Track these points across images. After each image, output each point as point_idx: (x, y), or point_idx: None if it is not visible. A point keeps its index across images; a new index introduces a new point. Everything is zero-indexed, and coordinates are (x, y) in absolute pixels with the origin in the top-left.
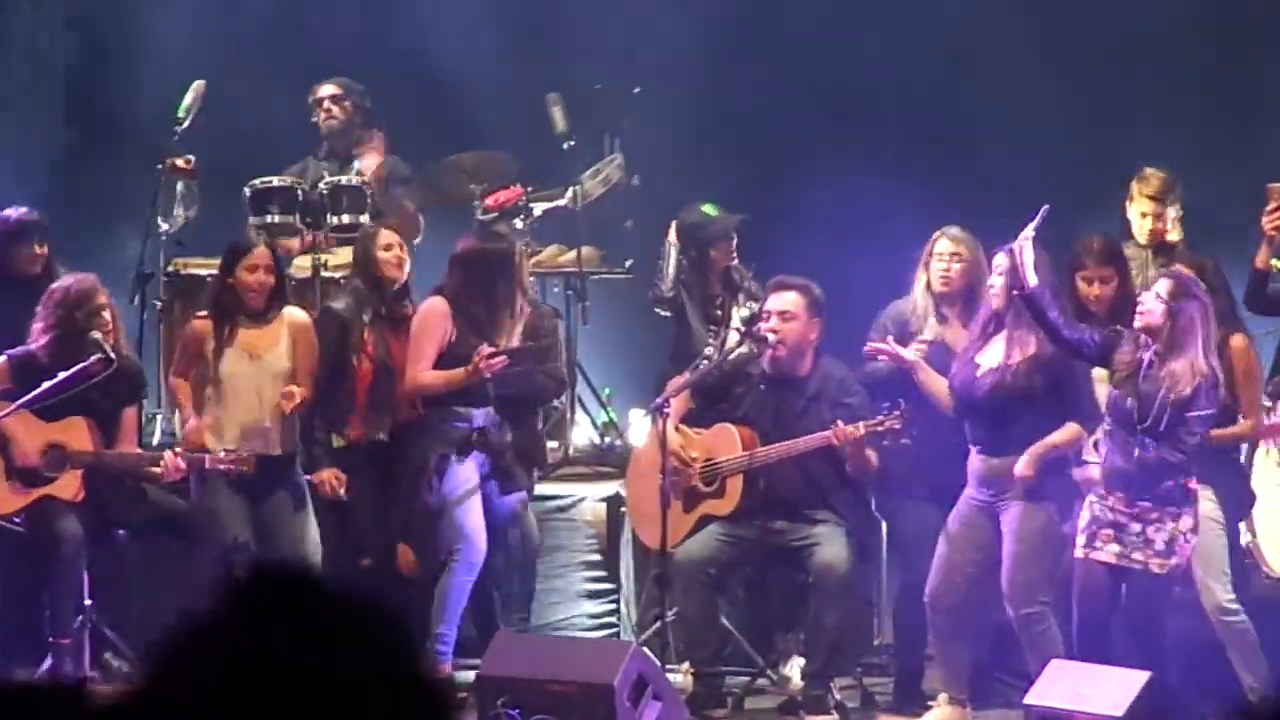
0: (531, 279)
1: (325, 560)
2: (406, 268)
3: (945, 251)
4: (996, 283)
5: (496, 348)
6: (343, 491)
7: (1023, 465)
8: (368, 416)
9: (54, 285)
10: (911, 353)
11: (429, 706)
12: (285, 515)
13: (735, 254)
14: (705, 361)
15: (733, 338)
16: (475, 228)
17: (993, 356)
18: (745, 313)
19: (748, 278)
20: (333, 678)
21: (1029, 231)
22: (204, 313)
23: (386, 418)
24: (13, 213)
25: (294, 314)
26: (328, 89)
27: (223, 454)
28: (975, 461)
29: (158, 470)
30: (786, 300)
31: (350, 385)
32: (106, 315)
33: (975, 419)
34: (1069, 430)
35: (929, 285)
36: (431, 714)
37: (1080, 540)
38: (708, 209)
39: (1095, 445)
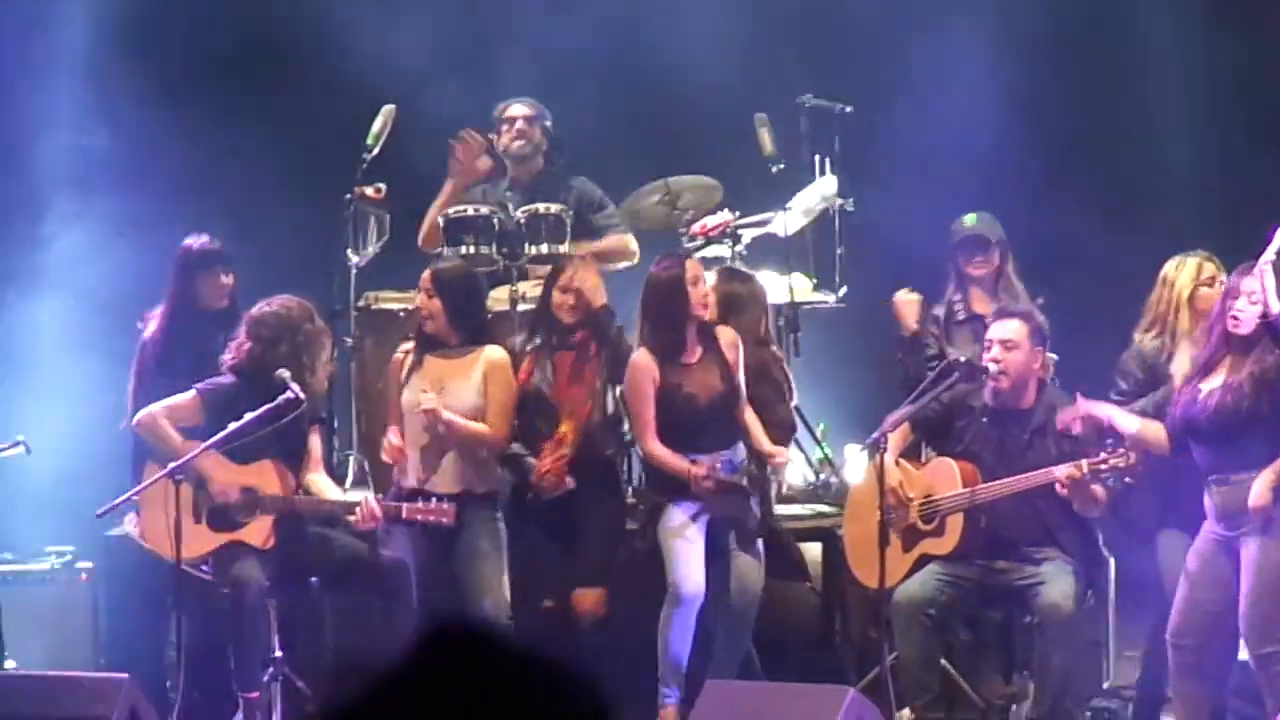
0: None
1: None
2: (580, 314)
3: (1248, 289)
4: (1246, 308)
5: (714, 473)
6: (568, 478)
7: (1256, 496)
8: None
9: (250, 314)
10: (1101, 405)
11: None
12: (464, 561)
13: (998, 268)
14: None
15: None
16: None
17: (1216, 380)
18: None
19: (1019, 294)
20: None
21: (1271, 254)
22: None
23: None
24: (194, 242)
25: (492, 352)
26: (519, 109)
27: (421, 504)
28: (1210, 496)
29: (353, 518)
30: (1009, 329)
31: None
32: (317, 346)
33: (1203, 444)
34: None
35: (1214, 324)
36: None
37: None
38: (967, 217)
39: None
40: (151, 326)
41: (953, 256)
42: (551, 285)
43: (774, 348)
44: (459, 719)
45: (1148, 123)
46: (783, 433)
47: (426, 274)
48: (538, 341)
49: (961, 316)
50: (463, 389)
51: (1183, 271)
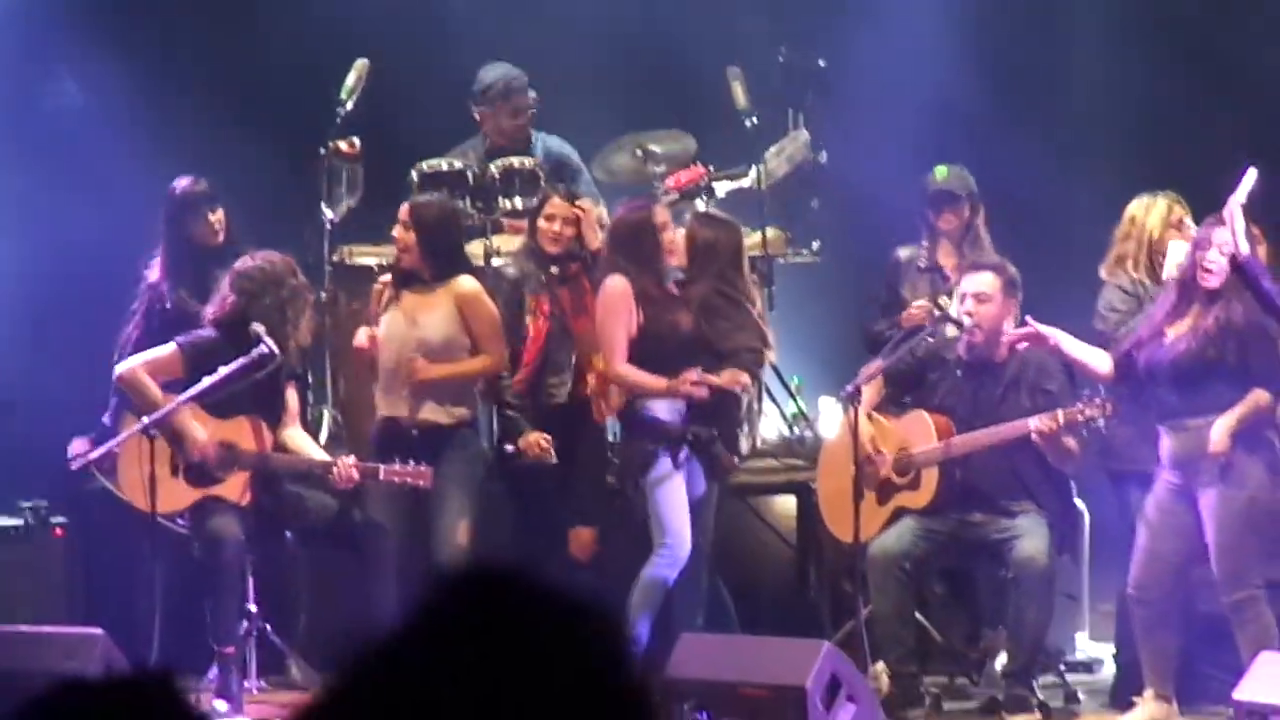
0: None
1: (505, 538)
2: (566, 244)
3: (1220, 240)
4: (1218, 260)
5: (704, 376)
6: (552, 453)
7: (1215, 442)
8: (542, 378)
9: (235, 267)
10: (1047, 328)
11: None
12: (432, 498)
13: (966, 221)
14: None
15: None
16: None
17: (1182, 326)
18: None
19: (987, 248)
20: (545, 685)
21: (1240, 196)
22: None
23: (565, 381)
24: (179, 183)
25: (462, 283)
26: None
27: (399, 466)
28: (1166, 442)
29: (331, 477)
30: (981, 281)
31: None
32: (301, 301)
33: (1165, 389)
34: (1254, 398)
35: (1184, 273)
36: None
37: None
38: (939, 169)
39: None
40: (155, 272)
41: (923, 209)
42: (536, 218)
43: (753, 287)
44: (484, 667)
45: (1103, 62)
46: (740, 362)
47: (404, 207)
48: (542, 278)
49: (923, 264)
50: (432, 321)
51: (1152, 213)
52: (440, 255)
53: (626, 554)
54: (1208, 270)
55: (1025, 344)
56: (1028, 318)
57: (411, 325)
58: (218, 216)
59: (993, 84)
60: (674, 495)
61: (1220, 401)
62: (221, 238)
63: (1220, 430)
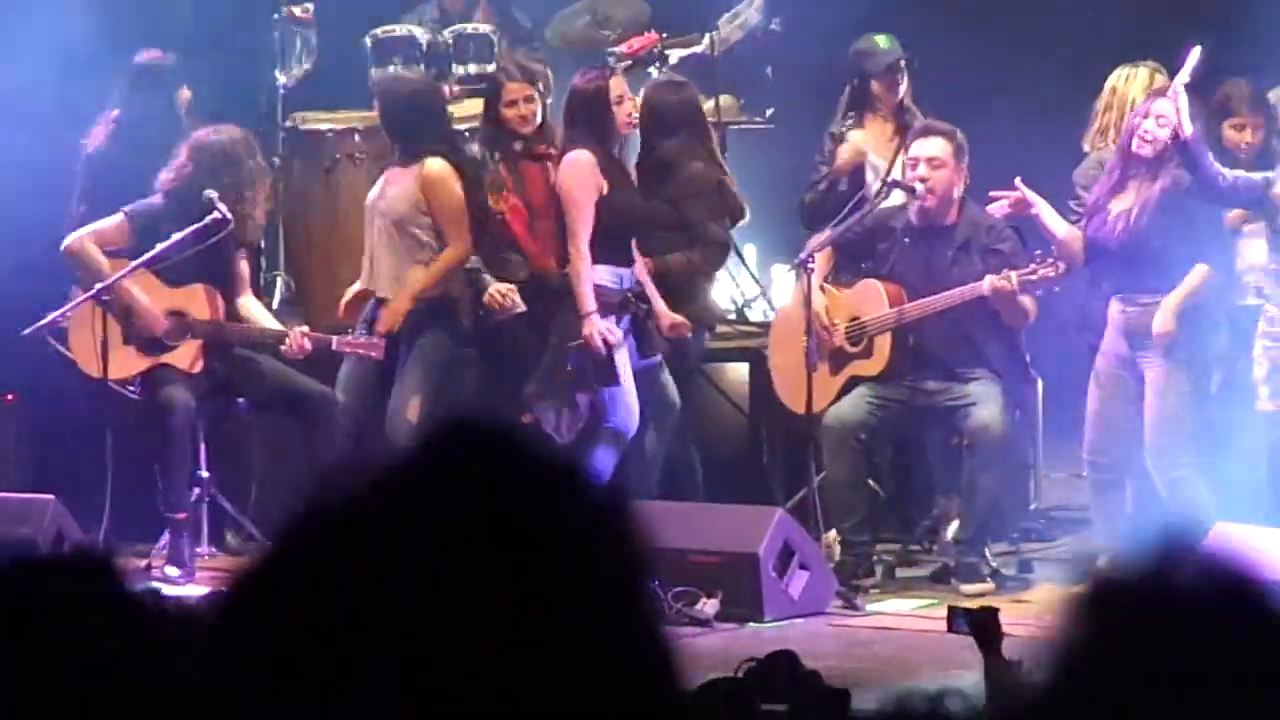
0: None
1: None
2: (536, 119)
3: (1159, 112)
4: (1155, 130)
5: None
6: (516, 299)
7: (1161, 321)
8: (539, 254)
9: (195, 137)
10: (1032, 194)
11: (636, 571)
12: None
13: (904, 93)
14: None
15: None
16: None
17: (1125, 201)
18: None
19: (920, 117)
20: (541, 538)
21: (1184, 76)
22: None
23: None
24: (146, 55)
25: (429, 164)
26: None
27: (350, 337)
28: (1115, 313)
29: (283, 348)
30: (935, 146)
31: (493, 226)
32: (256, 183)
33: (1111, 264)
34: (1198, 273)
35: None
36: (637, 578)
37: (1264, 392)
38: (879, 38)
39: (1260, 290)
40: (96, 139)
41: (861, 77)
42: (496, 105)
43: (722, 165)
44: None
45: None
46: (713, 252)
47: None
48: (500, 155)
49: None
50: (394, 195)
51: (1133, 83)
52: (404, 136)
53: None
54: (1143, 139)
55: (1009, 208)
56: (1017, 179)
57: (380, 196)
58: (187, 94)
59: None
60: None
61: (1166, 278)
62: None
63: (1166, 310)
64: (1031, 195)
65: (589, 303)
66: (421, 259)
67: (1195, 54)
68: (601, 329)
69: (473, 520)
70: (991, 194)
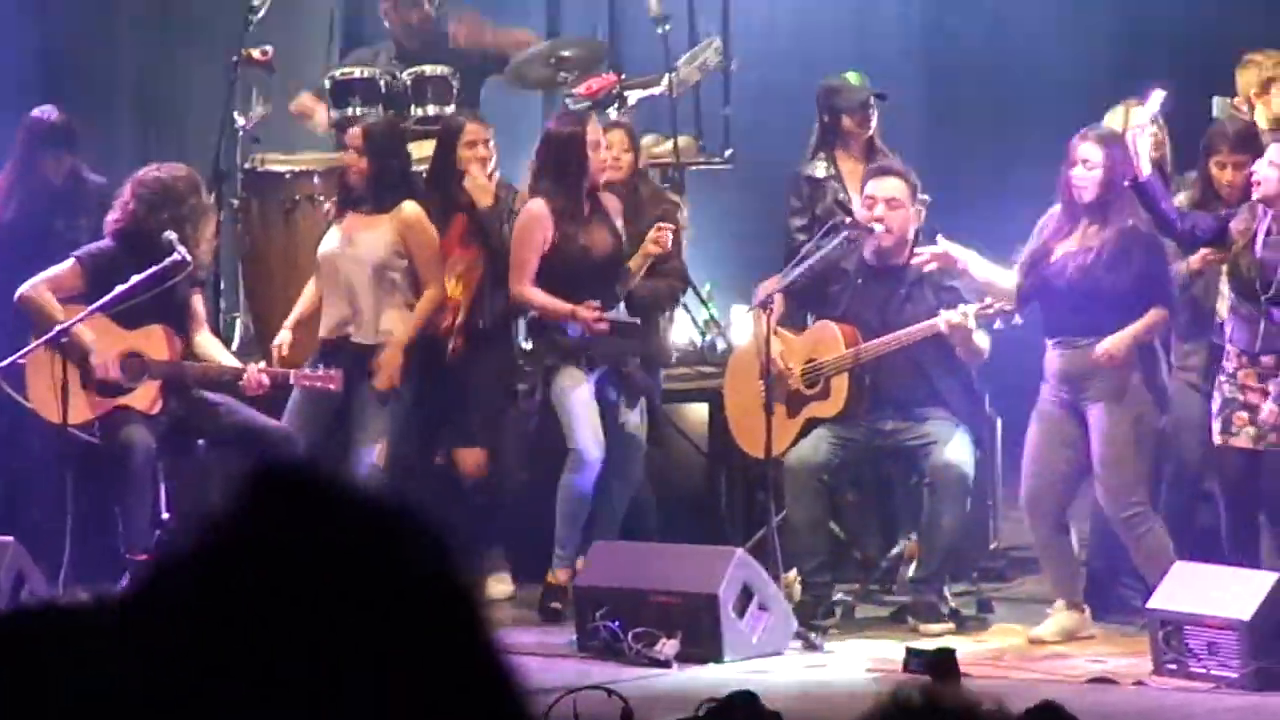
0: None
1: (401, 453)
2: (491, 165)
3: (1084, 157)
4: (1084, 175)
5: (603, 312)
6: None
7: (1112, 344)
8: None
9: (138, 175)
10: (959, 248)
11: (455, 620)
12: (357, 407)
13: (874, 130)
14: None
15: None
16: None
17: (1070, 244)
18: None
19: (888, 156)
20: (344, 585)
21: (1142, 117)
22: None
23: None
24: (41, 114)
25: (406, 209)
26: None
27: (308, 371)
28: (1053, 358)
29: (241, 384)
30: (891, 187)
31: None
32: (201, 219)
33: (1053, 307)
34: (1151, 316)
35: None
36: (458, 628)
37: (1216, 427)
38: (850, 75)
39: (1222, 326)
40: None
41: (833, 113)
42: (452, 146)
43: (673, 196)
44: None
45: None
46: (671, 285)
47: (356, 131)
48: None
49: (821, 174)
50: (369, 241)
51: (1113, 119)
52: (387, 182)
53: (518, 473)
54: (1078, 186)
55: (935, 264)
56: (939, 236)
57: (347, 244)
58: (71, 159)
59: None
60: (577, 404)
61: (1108, 322)
62: (61, 180)
63: (1119, 338)
64: (957, 250)
65: (560, 306)
66: (395, 303)
67: (1158, 96)
68: (590, 316)
69: (281, 569)
70: (915, 251)
